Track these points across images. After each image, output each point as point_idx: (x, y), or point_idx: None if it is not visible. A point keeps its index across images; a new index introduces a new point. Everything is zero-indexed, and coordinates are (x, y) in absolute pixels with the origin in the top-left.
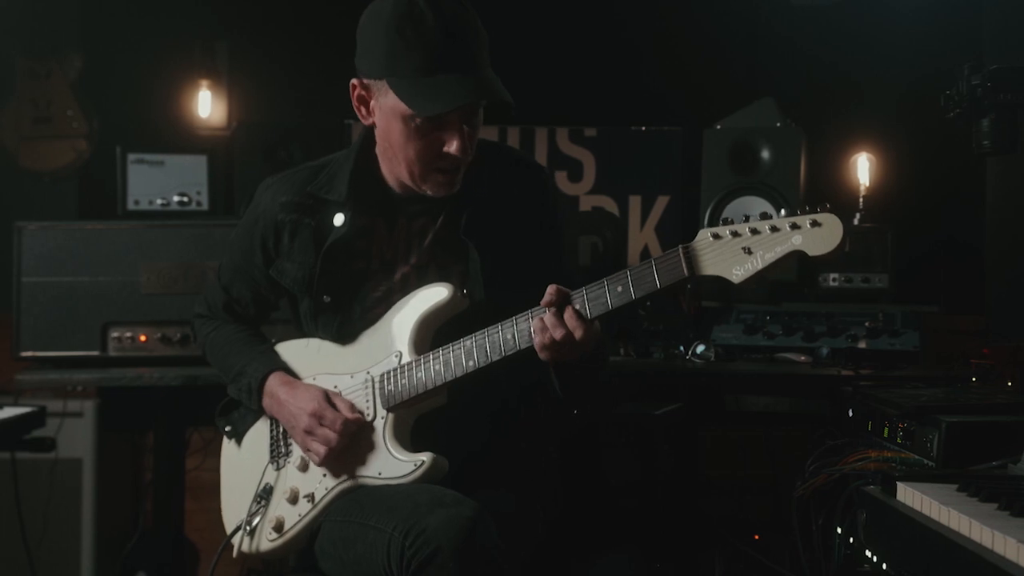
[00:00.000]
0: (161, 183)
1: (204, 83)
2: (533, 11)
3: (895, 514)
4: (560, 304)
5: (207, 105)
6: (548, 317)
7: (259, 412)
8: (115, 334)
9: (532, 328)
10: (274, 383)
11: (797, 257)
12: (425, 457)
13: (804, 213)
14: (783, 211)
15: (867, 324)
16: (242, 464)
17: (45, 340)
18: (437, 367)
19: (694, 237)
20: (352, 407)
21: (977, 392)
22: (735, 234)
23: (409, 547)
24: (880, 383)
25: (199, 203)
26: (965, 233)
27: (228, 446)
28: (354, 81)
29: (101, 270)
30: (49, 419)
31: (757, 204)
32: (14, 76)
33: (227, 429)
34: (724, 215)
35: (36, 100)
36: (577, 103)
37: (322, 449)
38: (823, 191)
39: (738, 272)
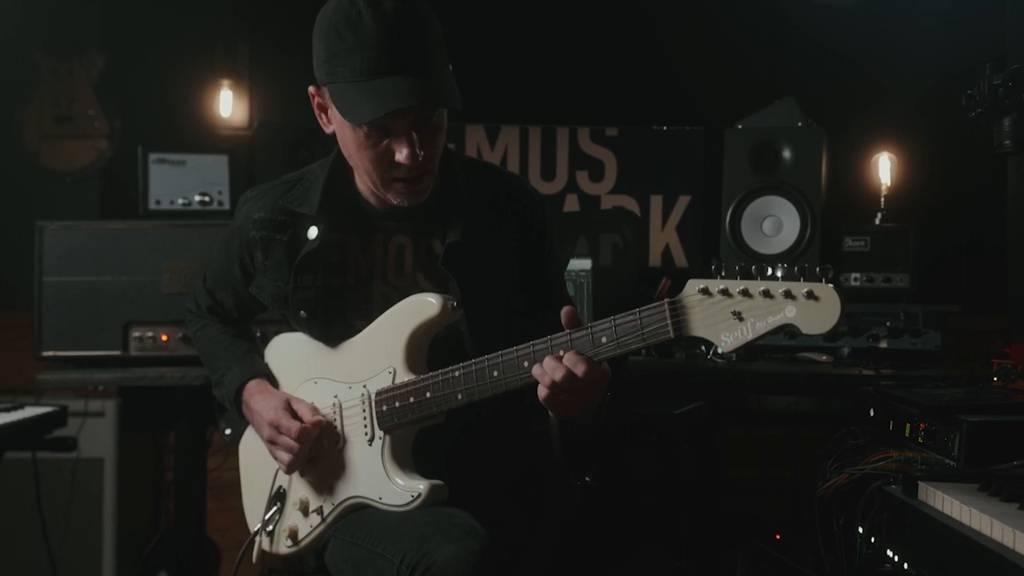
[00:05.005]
0: (182, 183)
1: (225, 83)
2: (553, 12)
3: (917, 514)
4: (572, 326)
5: (228, 105)
6: (547, 361)
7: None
8: (136, 334)
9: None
10: (248, 393)
11: None
12: (422, 488)
13: (802, 279)
14: (780, 269)
15: (888, 324)
16: (257, 463)
17: (66, 340)
18: (428, 394)
19: (681, 289)
20: (314, 411)
21: (999, 392)
22: (725, 293)
23: None
24: (901, 383)
25: (220, 203)
26: (986, 232)
27: (246, 442)
28: (311, 88)
29: (122, 270)
30: (70, 419)
31: (778, 204)
32: (36, 76)
33: (227, 432)
34: (719, 277)
35: (58, 99)
36: (598, 103)
37: (286, 457)
38: (845, 191)
39: (727, 339)
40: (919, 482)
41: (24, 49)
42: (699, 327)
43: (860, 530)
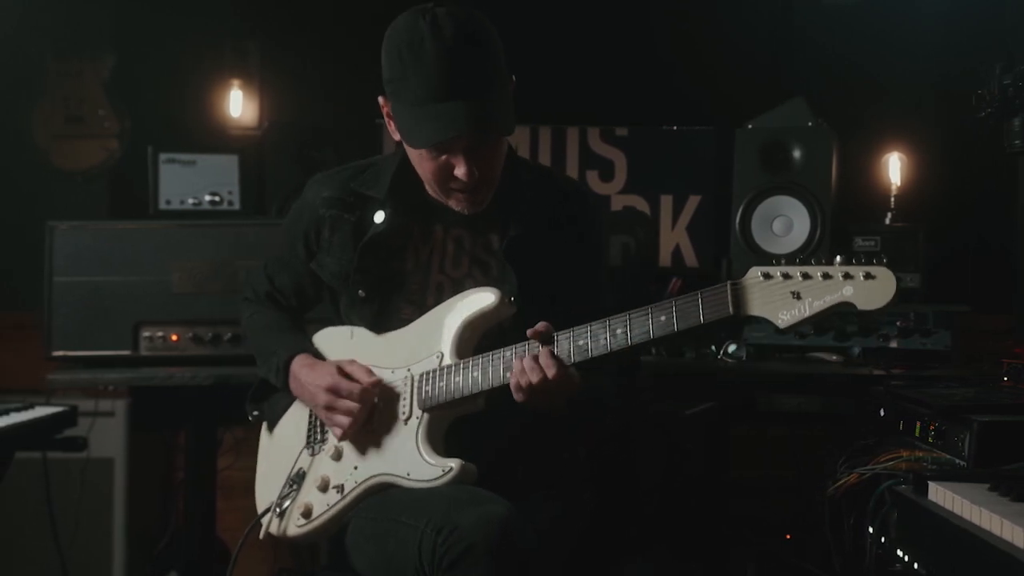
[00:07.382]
0: (192, 183)
1: (235, 83)
2: (564, 12)
3: (927, 514)
4: (545, 341)
5: (238, 105)
6: (527, 360)
7: (288, 394)
8: (146, 333)
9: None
10: (297, 365)
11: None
12: (453, 464)
13: (859, 264)
14: (839, 258)
15: (898, 323)
16: (279, 446)
17: (76, 340)
18: (475, 374)
19: (744, 274)
20: (369, 372)
21: (1009, 392)
22: (786, 276)
23: (442, 544)
24: (912, 383)
25: (230, 203)
26: (996, 232)
27: (266, 432)
28: (381, 99)
29: (132, 270)
30: (80, 418)
31: (789, 204)
32: (45, 75)
33: (255, 414)
34: (780, 264)
35: (68, 99)
36: (609, 103)
37: (345, 420)
38: (855, 191)
39: (784, 317)
40: (929, 482)
41: (34, 49)
42: (757, 306)
43: (870, 530)
